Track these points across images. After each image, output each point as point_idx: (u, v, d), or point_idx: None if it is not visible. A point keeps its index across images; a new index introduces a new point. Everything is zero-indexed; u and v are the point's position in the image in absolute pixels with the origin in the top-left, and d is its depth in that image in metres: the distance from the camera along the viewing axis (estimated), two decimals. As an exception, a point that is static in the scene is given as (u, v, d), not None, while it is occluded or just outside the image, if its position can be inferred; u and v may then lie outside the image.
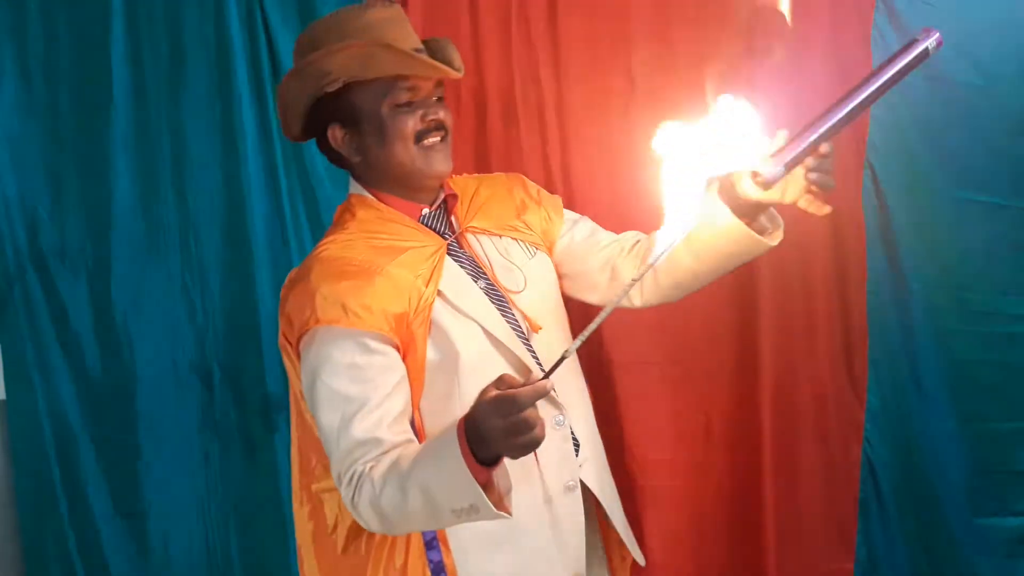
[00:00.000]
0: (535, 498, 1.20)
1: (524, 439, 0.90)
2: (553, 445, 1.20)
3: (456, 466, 0.94)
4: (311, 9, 1.73)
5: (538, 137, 1.76)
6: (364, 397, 1.09)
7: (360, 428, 1.08)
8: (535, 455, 1.16)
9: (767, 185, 1.07)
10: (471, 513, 0.97)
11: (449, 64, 1.19)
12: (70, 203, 1.79)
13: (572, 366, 1.31)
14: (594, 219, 1.75)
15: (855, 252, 1.77)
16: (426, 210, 1.25)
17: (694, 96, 1.73)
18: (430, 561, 1.17)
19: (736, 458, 1.82)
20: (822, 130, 1.05)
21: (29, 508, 1.88)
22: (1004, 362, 1.79)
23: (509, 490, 1.00)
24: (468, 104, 1.78)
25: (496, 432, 0.91)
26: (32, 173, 1.78)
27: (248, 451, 1.85)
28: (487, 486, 0.96)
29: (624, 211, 1.78)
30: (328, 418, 1.10)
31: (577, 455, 1.25)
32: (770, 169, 1.06)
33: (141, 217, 1.80)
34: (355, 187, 1.27)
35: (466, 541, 1.19)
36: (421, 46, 1.19)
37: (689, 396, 1.82)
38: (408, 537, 1.18)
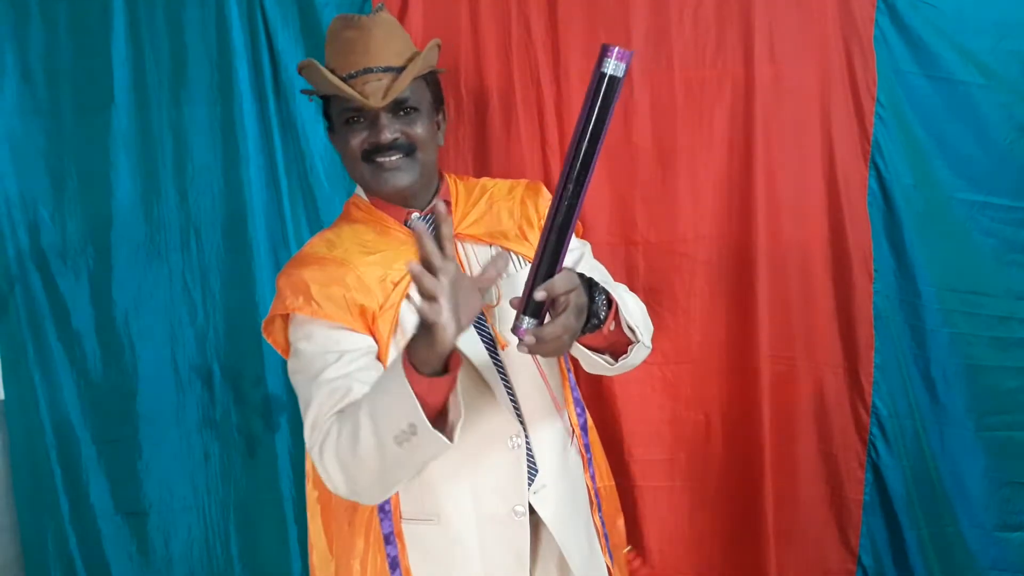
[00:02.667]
0: (477, 517, 1.18)
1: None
2: (504, 467, 1.18)
3: (398, 381, 0.94)
4: (311, 9, 1.73)
5: (538, 137, 1.76)
6: (338, 353, 1.11)
7: (331, 375, 1.09)
8: (484, 474, 1.16)
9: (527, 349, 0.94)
10: (411, 437, 0.94)
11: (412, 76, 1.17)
12: (71, 203, 1.79)
13: (543, 393, 1.26)
14: (593, 219, 1.76)
15: (860, 253, 1.77)
16: (416, 214, 1.25)
17: (694, 96, 1.75)
18: (388, 556, 1.19)
19: (736, 459, 1.82)
20: (531, 278, 0.93)
21: (29, 507, 1.88)
22: (1022, 368, 1.77)
23: (459, 419, 0.99)
24: (468, 104, 1.78)
25: None
26: (33, 173, 1.78)
27: (248, 451, 1.85)
28: (439, 417, 0.96)
29: (623, 211, 1.79)
30: (302, 377, 1.12)
31: (533, 481, 1.21)
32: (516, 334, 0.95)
33: (142, 217, 1.80)
34: (358, 187, 1.30)
35: (407, 543, 1.19)
36: (374, 65, 1.16)
37: (689, 397, 1.81)
38: (367, 525, 1.19)
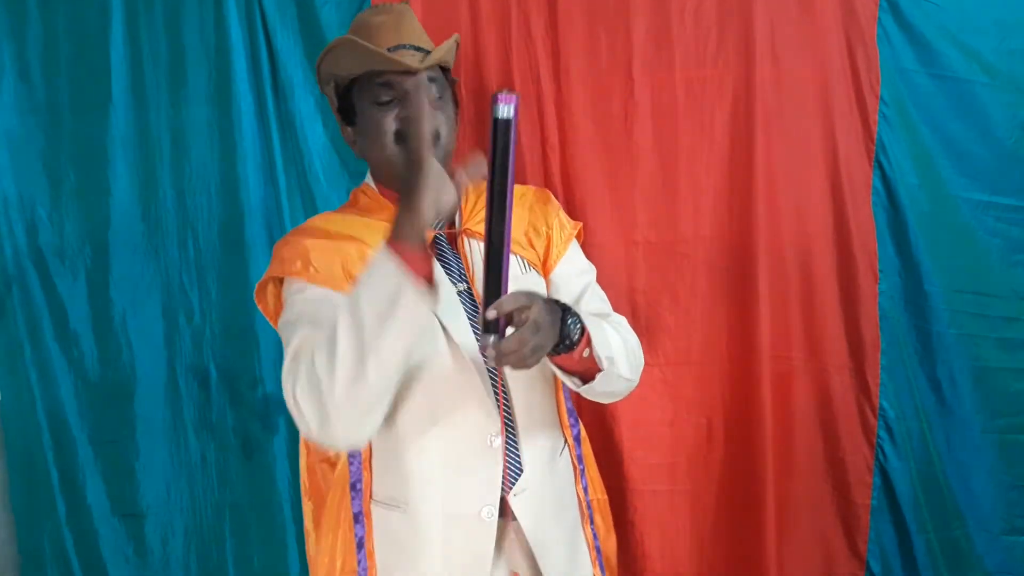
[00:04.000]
0: (444, 512, 1.16)
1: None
2: (480, 466, 1.16)
3: (379, 258, 0.96)
4: (310, 8, 1.73)
5: (538, 136, 1.76)
6: (332, 305, 1.06)
7: (321, 317, 1.05)
8: (457, 469, 1.16)
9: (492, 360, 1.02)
10: (395, 306, 0.94)
11: (427, 58, 1.18)
12: (69, 203, 1.79)
13: (535, 396, 1.25)
14: (593, 219, 1.75)
15: (864, 253, 1.75)
16: None
17: (694, 96, 1.74)
18: (356, 535, 1.19)
19: (738, 462, 1.79)
20: (482, 302, 1.00)
21: (26, 508, 1.88)
22: (1030, 370, 1.75)
23: (439, 286, 1.02)
24: (468, 104, 1.77)
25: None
26: (31, 172, 1.79)
27: (245, 452, 1.85)
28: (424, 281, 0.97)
29: (623, 211, 1.77)
30: (291, 326, 1.10)
31: (516, 483, 1.19)
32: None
33: (139, 217, 1.80)
34: (368, 177, 1.30)
35: (375, 524, 1.19)
36: (407, 43, 1.18)
37: (690, 399, 1.79)
38: (340, 504, 1.19)
